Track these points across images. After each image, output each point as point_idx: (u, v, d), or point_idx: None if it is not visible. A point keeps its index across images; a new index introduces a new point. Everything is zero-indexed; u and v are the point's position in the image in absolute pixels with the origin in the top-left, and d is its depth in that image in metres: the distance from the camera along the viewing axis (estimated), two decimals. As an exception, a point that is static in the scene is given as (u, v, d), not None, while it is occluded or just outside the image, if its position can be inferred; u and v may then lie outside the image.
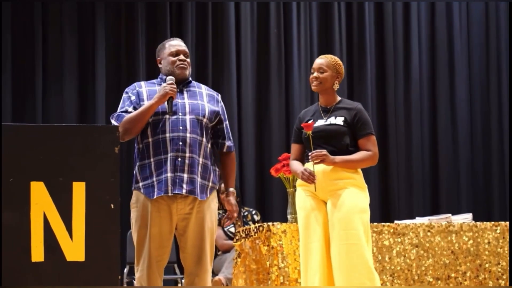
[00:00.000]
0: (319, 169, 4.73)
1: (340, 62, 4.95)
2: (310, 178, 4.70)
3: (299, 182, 4.85)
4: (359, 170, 4.82)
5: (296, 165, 4.89)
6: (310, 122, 4.82)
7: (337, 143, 4.77)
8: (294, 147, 4.98)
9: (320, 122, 4.84)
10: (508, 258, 6.09)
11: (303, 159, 4.90)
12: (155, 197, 4.38)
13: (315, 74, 4.87)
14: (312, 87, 4.91)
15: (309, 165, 4.76)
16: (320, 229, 4.75)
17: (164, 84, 4.43)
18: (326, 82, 4.86)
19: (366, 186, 4.84)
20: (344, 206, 4.68)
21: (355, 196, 4.71)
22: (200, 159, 4.46)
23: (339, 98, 4.94)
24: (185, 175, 4.40)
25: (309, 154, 4.72)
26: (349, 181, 4.73)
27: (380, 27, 9.39)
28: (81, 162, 3.34)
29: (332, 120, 4.82)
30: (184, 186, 4.39)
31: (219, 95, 4.73)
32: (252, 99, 8.79)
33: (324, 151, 4.68)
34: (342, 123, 4.79)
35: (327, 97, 4.92)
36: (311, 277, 4.72)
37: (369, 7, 9.33)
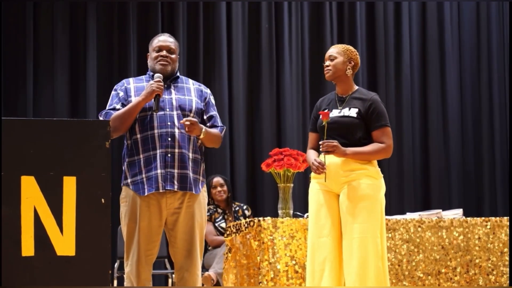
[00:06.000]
0: (331, 161, 4.65)
1: (352, 48, 4.84)
2: (319, 168, 4.61)
3: (313, 174, 4.75)
4: (373, 161, 4.72)
5: (310, 155, 4.79)
6: (327, 111, 4.73)
7: (349, 135, 4.68)
8: (311, 136, 4.89)
9: (334, 113, 4.74)
10: (498, 254, 6.11)
11: (319, 147, 4.76)
12: (145, 194, 4.39)
13: (326, 63, 4.79)
14: (325, 77, 4.81)
15: (322, 156, 4.68)
16: (330, 224, 4.67)
17: (151, 82, 4.44)
18: (337, 69, 4.76)
19: (381, 176, 4.74)
20: (356, 199, 4.61)
21: (368, 187, 4.63)
22: (190, 154, 4.46)
23: (356, 87, 4.84)
24: (176, 171, 4.41)
25: (320, 143, 4.64)
26: (362, 172, 4.65)
27: (371, 25, 9.39)
28: (72, 157, 3.34)
29: (346, 111, 4.72)
30: (176, 182, 4.40)
31: (208, 89, 4.72)
32: (243, 94, 8.79)
33: (335, 142, 4.58)
34: (355, 115, 4.69)
35: (342, 86, 4.81)
36: (317, 272, 4.65)
37: (360, 5, 9.33)
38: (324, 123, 4.67)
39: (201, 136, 4.47)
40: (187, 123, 4.37)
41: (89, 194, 3.33)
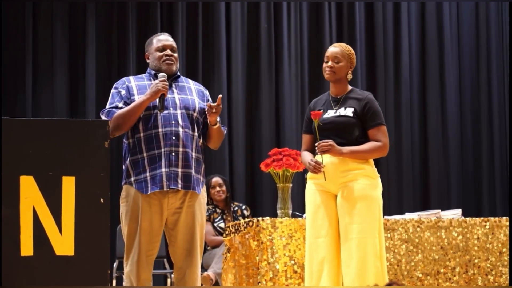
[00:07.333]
0: (328, 161, 4.64)
1: (353, 51, 4.83)
2: (316, 167, 4.59)
3: (309, 174, 4.75)
4: (370, 160, 4.72)
5: (306, 156, 4.78)
6: (319, 111, 4.73)
7: (346, 135, 4.67)
8: (305, 138, 4.88)
9: (330, 113, 4.74)
10: (497, 254, 6.11)
11: (314, 149, 4.75)
12: (149, 192, 4.38)
13: (330, 63, 4.74)
14: (325, 76, 4.77)
15: (318, 157, 4.66)
16: (328, 225, 4.67)
17: (156, 81, 4.42)
18: (341, 72, 4.75)
19: (377, 175, 4.74)
20: (353, 199, 4.60)
21: (365, 188, 4.62)
22: (194, 153, 4.47)
23: (350, 88, 4.84)
24: (180, 170, 4.40)
25: (315, 144, 4.63)
26: (359, 172, 4.64)
27: (370, 26, 9.39)
28: (71, 157, 3.34)
29: (341, 111, 4.72)
30: (179, 181, 4.39)
31: (207, 90, 4.73)
32: (242, 94, 8.79)
33: (330, 141, 4.58)
34: (351, 115, 4.69)
35: (339, 87, 4.81)
36: (315, 272, 4.65)
37: (360, 6, 9.33)
38: (315, 123, 4.68)
39: (215, 126, 4.49)
40: (214, 105, 4.42)
41: (88, 194, 3.33)
